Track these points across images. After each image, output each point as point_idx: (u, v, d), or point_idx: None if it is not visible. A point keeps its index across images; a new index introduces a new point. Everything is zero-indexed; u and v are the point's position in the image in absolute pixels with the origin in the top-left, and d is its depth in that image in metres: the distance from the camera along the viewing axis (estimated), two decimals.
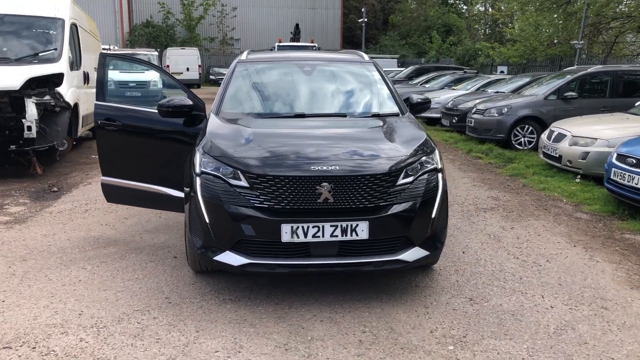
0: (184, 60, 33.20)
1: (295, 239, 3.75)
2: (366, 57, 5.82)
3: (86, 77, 10.05)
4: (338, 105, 5.07)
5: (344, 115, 4.86)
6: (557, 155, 8.64)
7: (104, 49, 24.98)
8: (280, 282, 4.39)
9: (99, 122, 5.25)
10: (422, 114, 16.05)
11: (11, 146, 8.13)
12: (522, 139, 11.45)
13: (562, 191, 7.60)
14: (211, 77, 37.39)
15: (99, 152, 5.34)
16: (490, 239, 5.62)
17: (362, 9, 43.45)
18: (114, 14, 38.91)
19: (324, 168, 3.78)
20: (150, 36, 39.29)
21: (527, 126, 11.44)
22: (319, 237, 3.76)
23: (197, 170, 4.00)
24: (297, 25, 33.31)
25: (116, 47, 29.02)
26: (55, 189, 7.63)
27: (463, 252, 5.20)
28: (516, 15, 24.72)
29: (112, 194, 5.41)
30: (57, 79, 8.31)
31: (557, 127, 9.07)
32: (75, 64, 9.29)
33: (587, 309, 4.06)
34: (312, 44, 30.28)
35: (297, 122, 4.68)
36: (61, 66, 8.44)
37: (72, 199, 7.10)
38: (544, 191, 7.71)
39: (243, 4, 42.56)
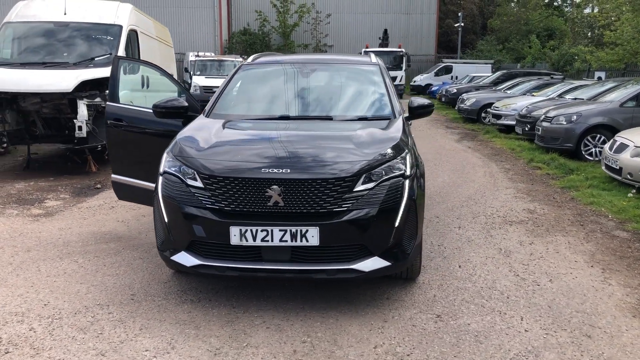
0: None
1: (244, 242, 3.69)
2: (374, 59, 5.62)
3: (144, 81, 10.50)
4: (327, 108, 4.95)
5: (329, 119, 4.73)
6: (618, 167, 7.90)
7: (196, 55, 26.27)
8: (249, 287, 4.34)
9: (109, 122, 5.47)
10: (499, 122, 15.52)
11: (63, 145, 8.73)
12: (593, 150, 10.60)
13: (611, 206, 6.93)
14: None
15: (109, 150, 5.57)
16: (500, 253, 5.23)
17: (459, 13, 42.36)
18: (214, 23, 40.61)
19: (275, 171, 3.68)
20: (246, 43, 40.56)
21: (599, 135, 10.58)
22: (267, 241, 3.68)
23: (161, 169, 4.06)
24: (385, 30, 33.16)
25: (210, 54, 30.29)
26: (99, 186, 8.06)
27: (459, 266, 4.87)
28: (618, 17, 22.89)
29: (122, 192, 5.60)
30: None
31: (621, 136, 8.30)
32: (130, 68, 9.72)
33: (567, 335, 3.65)
34: (399, 49, 30.04)
35: (278, 124, 4.62)
36: None
37: (107, 195, 7.46)
38: (591, 205, 7.07)
39: (337, 10, 42.84)
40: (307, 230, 3.65)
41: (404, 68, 29.60)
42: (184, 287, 4.36)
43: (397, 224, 3.80)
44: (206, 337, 3.58)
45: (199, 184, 3.81)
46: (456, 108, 19.47)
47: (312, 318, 3.84)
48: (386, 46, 32.17)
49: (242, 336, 3.59)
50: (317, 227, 3.64)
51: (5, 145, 10.13)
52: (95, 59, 9.04)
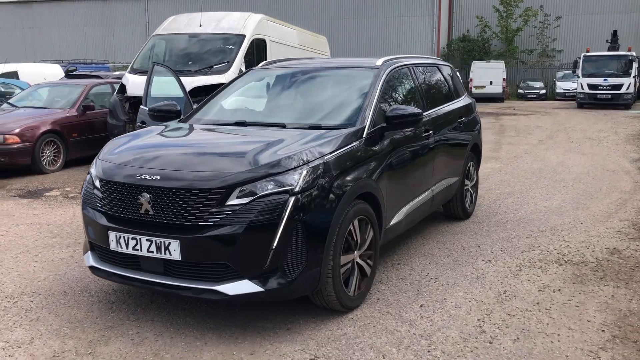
0: (488, 74, 32.66)
1: (119, 249, 3.63)
2: (379, 62, 4.91)
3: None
4: (287, 114, 4.59)
5: (283, 126, 4.33)
6: None
7: None
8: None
9: (137, 124, 5.84)
10: None
11: None
12: None
13: None
14: (519, 91, 35.42)
15: None
16: (495, 298, 4.23)
17: None
18: (432, 31, 40.30)
19: (147, 177, 3.54)
20: (464, 50, 39.44)
21: None
22: (138, 250, 3.56)
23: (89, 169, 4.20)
24: (614, 32, 29.07)
25: None
26: None
27: (421, 306, 4.07)
28: None
29: None
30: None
31: None
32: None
33: None
34: (629, 53, 26.17)
35: (214, 130, 4.54)
36: (227, 77, 9.41)
37: None
38: None
39: (570, 12, 39.02)
40: (169, 243, 3.44)
41: (632, 74, 25.63)
42: (122, 288, 4.40)
43: (274, 245, 3.36)
44: (71, 338, 3.58)
45: (98, 185, 3.85)
46: None
47: (182, 337, 3.59)
48: (616, 49, 28.19)
49: (99, 344, 3.51)
50: (178, 241, 3.41)
51: None
52: (214, 66, 9.66)
